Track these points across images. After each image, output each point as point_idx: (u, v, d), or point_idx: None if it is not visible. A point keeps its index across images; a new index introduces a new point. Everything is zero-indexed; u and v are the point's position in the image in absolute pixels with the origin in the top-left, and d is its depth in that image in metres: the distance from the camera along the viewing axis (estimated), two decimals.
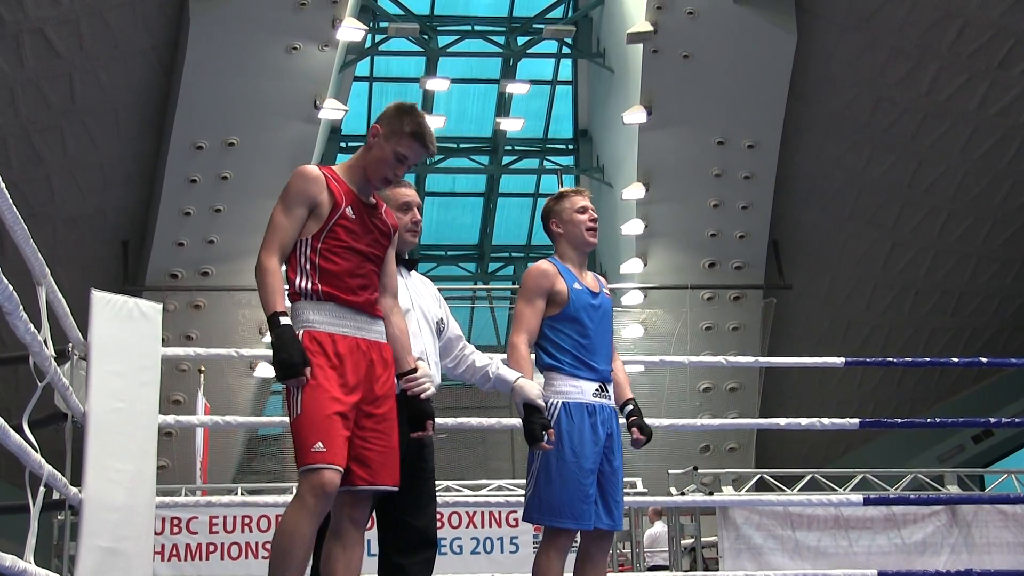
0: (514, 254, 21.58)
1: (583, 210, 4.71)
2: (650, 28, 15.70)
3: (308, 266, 3.68)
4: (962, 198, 17.16)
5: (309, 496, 3.50)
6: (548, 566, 4.36)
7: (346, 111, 17.19)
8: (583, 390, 4.48)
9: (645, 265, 18.01)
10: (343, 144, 19.45)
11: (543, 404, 4.28)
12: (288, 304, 3.65)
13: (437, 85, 18.40)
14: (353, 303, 3.70)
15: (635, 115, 16.46)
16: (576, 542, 4.52)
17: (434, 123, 18.82)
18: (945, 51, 15.63)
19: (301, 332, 3.60)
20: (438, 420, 6.30)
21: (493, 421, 6.45)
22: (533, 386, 4.29)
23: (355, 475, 3.60)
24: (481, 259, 21.31)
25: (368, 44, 18.03)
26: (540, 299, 4.53)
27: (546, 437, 4.21)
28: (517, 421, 6.70)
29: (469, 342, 4.62)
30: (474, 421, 6.32)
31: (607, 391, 4.56)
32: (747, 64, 16.06)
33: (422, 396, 3.82)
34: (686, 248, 17.82)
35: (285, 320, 3.55)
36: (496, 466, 17.76)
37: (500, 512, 8.34)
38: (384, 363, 3.73)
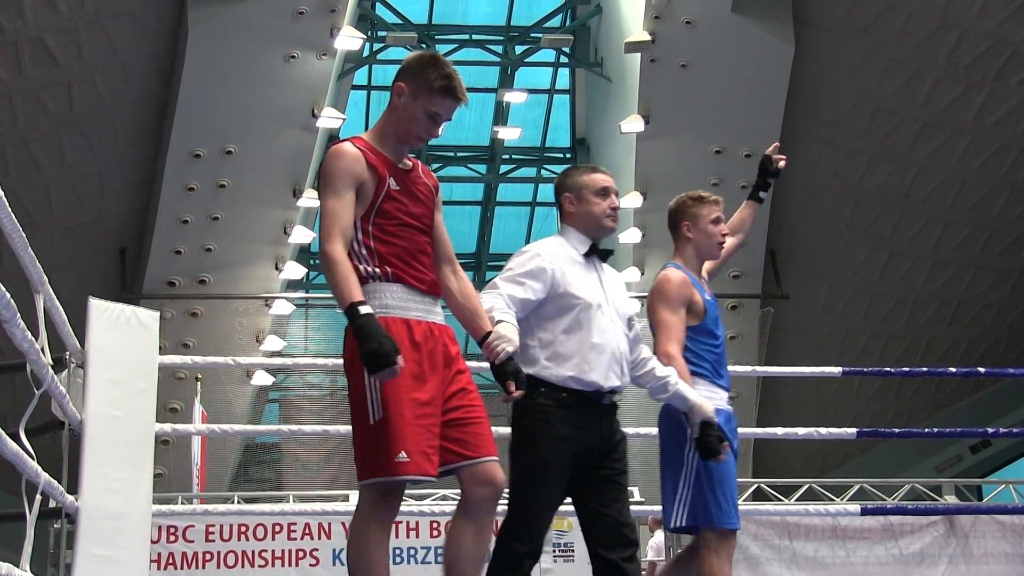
0: None
1: (718, 221, 4.64)
2: (648, 37, 15.72)
3: (364, 251, 3.47)
4: (960, 208, 17.17)
5: (381, 506, 3.37)
6: (722, 569, 4.32)
7: (344, 120, 17.19)
8: (721, 397, 4.48)
9: (642, 274, 18.01)
10: None
11: (716, 420, 4.23)
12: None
13: None
14: (419, 285, 3.50)
15: (632, 124, 16.48)
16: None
17: None
18: (943, 61, 15.65)
19: (377, 319, 3.35)
20: None
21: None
22: (709, 404, 4.23)
23: (462, 454, 3.44)
24: (478, 268, 21.31)
25: (366, 53, 18.05)
26: (683, 307, 4.44)
27: (722, 450, 4.20)
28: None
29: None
30: None
31: (731, 401, 4.59)
32: (745, 74, 16.08)
33: (499, 359, 3.59)
34: None
35: (366, 309, 3.29)
36: None
37: (497, 521, 8.32)
38: (453, 342, 3.55)
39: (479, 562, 3.49)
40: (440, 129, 3.63)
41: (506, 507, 3.88)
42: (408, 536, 8.05)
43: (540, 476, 3.85)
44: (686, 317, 4.46)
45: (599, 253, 4.15)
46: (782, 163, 5.04)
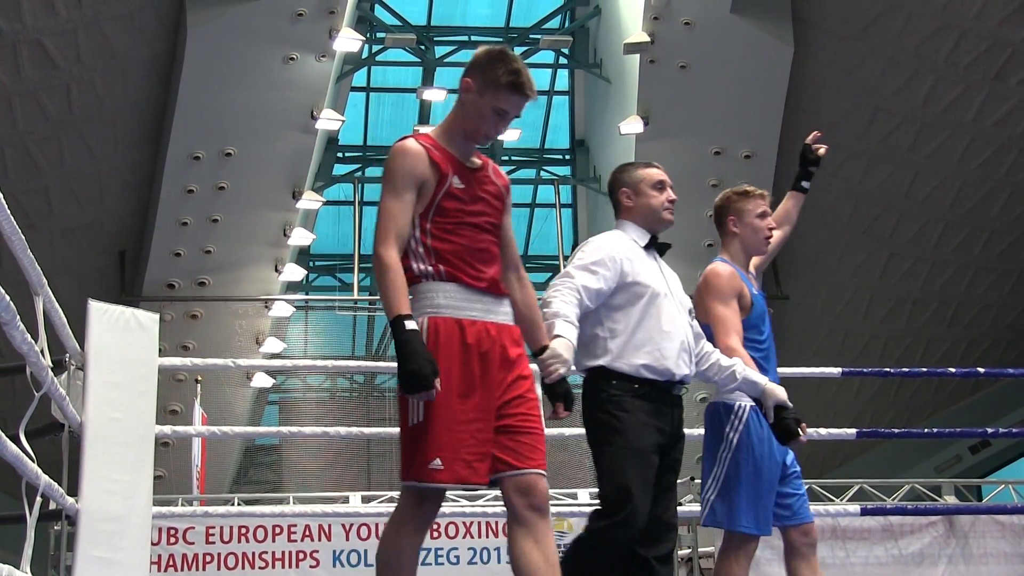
0: None
1: (764, 215, 4.62)
2: (647, 38, 15.72)
3: (420, 249, 3.39)
4: (959, 209, 17.17)
5: (416, 509, 3.31)
6: (736, 573, 4.31)
7: (343, 121, 17.20)
8: None
9: None
10: (340, 154, 19.46)
11: (789, 404, 4.20)
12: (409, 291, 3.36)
13: (434, 95, 18.42)
14: (476, 283, 3.40)
15: (632, 125, 16.48)
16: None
17: None
18: (942, 62, 15.65)
19: (425, 319, 3.32)
20: None
21: None
22: (781, 389, 4.21)
23: (508, 463, 3.33)
24: None
25: (365, 54, 18.05)
26: (735, 300, 4.42)
27: (802, 431, 4.15)
28: None
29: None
30: None
31: None
32: (744, 74, 16.08)
33: (551, 379, 3.54)
34: (683, 258, 17.67)
35: (411, 325, 3.21)
36: None
37: (497, 522, 8.32)
38: (516, 343, 3.45)
39: (554, 570, 3.38)
40: (505, 126, 3.57)
41: (599, 499, 3.87)
42: None
43: (629, 460, 3.82)
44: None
45: (657, 246, 4.16)
46: (822, 150, 5.05)
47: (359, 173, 19.60)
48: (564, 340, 3.64)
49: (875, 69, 16.05)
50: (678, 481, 3.84)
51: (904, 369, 9.44)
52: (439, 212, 3.40)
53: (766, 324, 4.55)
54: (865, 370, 10.02)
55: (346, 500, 10.25)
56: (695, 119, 16.64)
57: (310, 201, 16.95)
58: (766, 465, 4.33)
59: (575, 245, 21.32)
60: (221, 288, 16.85)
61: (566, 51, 18.81)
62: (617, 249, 4.03)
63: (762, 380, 4.17)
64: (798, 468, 4.58)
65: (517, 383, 3.41)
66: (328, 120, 16.25)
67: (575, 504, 8.82)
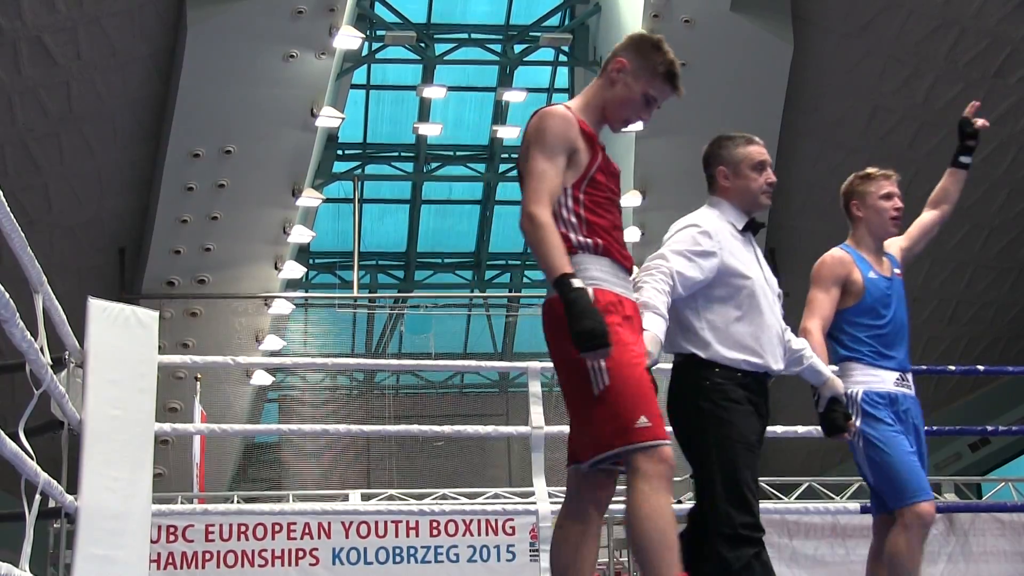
0: (511, 262, 21.58)
1: (889, 196, 4.57)
2: None
3: (574, 219, 3.29)
4: (958, 206, 16.93)
5: (659, 475, 3.13)
6: (909, 549, 4.23)
7: (343, 119, 17.21)
8: (884, 379, 4.39)
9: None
10: (340, 152, 19.46)
11: (844, 399, 4.16)
12: None
13: (434, 93, 18.42)
14: (623, 260, 3.35)
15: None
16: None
17: (431, 131, 18.86)
18: (942, 59, 15.65)
19: (590, 289, 3.16)
20: (435, 427, 6.30)
21: (490, 429, 6.44)
22: (840, 382, 4.17)
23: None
24: (478, 267, 21.30)
25: (365, 52, 18.04)
26: (836, 287, 4.41)
27: (849, 427, 4.12)
28: (514, 429, 6.69)
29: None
30: (470, 429, 6.30)
31: (907, 381, 4.45)
32: (744, 72, 16.08)
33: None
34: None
35: (578, 282, 3.09)
36: (493, 474, 17.75)
37: (497, 520, 8.33)
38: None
39: (592, 568, 3.33)
40: (648, 115, 3.51)
41: (711, 491, 3.68)
42: (408, 535, 8.04)
43: (740, 453, 3.68)
44: (841, 297, 4.41)
45: (753, 227, 4.02)
46: (980, 122, 4.93)
47: (359, 171, 19.60)
48: (652, 335, 3.49)
49: (875, 67, 16.05)
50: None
51: None
52: (592, 184, 3.32)
53: (889, 308, 4.46)
54: None
55: (346, 498, 10.26)
56: (694, 117, 16.60)
57: (310, 199, 16.95)
58: (897, 437, 4.28)
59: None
60: (221, 286, 16.85)
61: (566, 49, 18.80)
62: (718, 236, 3.86)
63: (826, 371, 4.12)
64: (927, 463, 4.46)
65: None
66: (328, 118, 16.25)
67: (494, 502, 8.82)
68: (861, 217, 4.54)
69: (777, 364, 3.88)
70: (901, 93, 16.17)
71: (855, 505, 6.83)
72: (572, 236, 3.27)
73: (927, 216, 4.80)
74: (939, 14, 15.18)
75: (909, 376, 4.45)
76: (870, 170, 4.66)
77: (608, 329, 3.05)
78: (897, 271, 4.60)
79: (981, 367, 7.32)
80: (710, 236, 3.85)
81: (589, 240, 3.28)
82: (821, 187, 17.23)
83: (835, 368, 4.43)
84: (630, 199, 17.17)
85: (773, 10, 15.80)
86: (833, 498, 9.04)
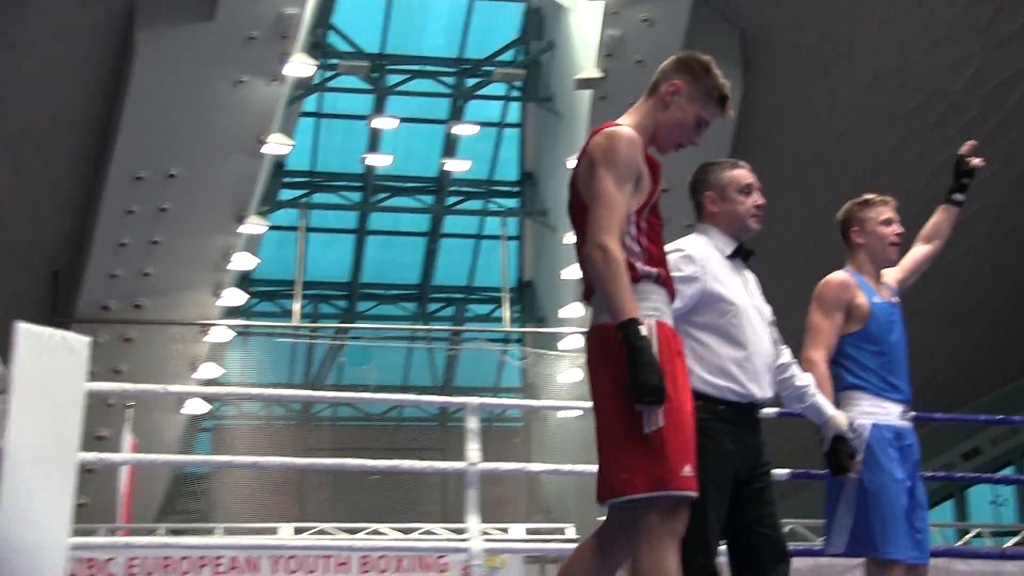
0: (455, 295, 21.49)
1: (888, 222, 4.49)
2: (599, 75, 15.78)
3: (636, 247, 3.21)
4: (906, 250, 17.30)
5: (674, 520, 3.07)
6: None
7: (292, 146, 17.06)
8: (890, 412, 4.27)
9: (586, 310, 17.97)
10: (287, 179, 19.31)
11: (850, 436, 4.06)
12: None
13: (385, 123, 18.35)
14: (672, 292, 3.31)
15: None
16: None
17: (380, 161, 18.78)
18: (887, 108, 15.84)
19: (653, 322, 3.15)
20: (370, 461, 6.17)
21: (426, 464, 6.32)
22: (844, 418, 4.06)
23: None
24: (421, 299, 21.19)
25: (317, 80, 17.95)
26: (839, 312, 4.31)
27: (853, 466, 4.02)
28: (450, 465, 6.58)
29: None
30: (406, 464, 6.18)
31: (909, 413, 4.35)
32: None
33: None
34: None
35: (644, 330, 3.04)
36: (428, 509, 17.56)
37: (430, 557, 8.18)
38: None
39: None
40: (699, 138, 3.43)
41: None
42: (338, 571, 7.89)
43: (711, 494, 3.53)
44: (845, 323, 4.31)
45: (743, 253, 3.98)
46: (975, 161, 4.89)
47: (305, 199, 19.46)
48: None
49: (822, 112, 16.21)
50: None
51: None
52: (652, 211, 3.26)
53: (894, 334, 4.37)
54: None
55: (275, 531, 10.07)
56: None
57: (254, 226, 16.76)
58: (894, 486, 4.16)
59: (520, 278, 21.34)
60: (158, 311, 16.58)
61: (519, 84, 18.84)
62: (702, 261, 3.83)
63: (829, 409, 4.02)
64: (924, 499, 4.35)
65: None
66: (276, 145, 16.09)
67: (508, 540, 8.71)
68: (862, 244, 4.47)
69: (764, 393, 3.79)
70: (848, 138, 16.33)
71: None
72: (637, 264, 3.20)
73: (920, 250, 4.77)
74: (888, 61, 15.37)
75: (910, 409, 4.36)
76: (868, 196, 4.58)
77: (665, 384, 2.99)
78: (895, 299, 4.53)
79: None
80: (692, 261, 3.82)
81: (653, 270, 3.22)
82: (767, 226, 17.33)
83: (838, 395, 4.32)
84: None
85: (723, 55, 15.85)
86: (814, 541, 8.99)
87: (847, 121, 16.16)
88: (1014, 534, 13.36)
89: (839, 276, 4.37)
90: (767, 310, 3.94)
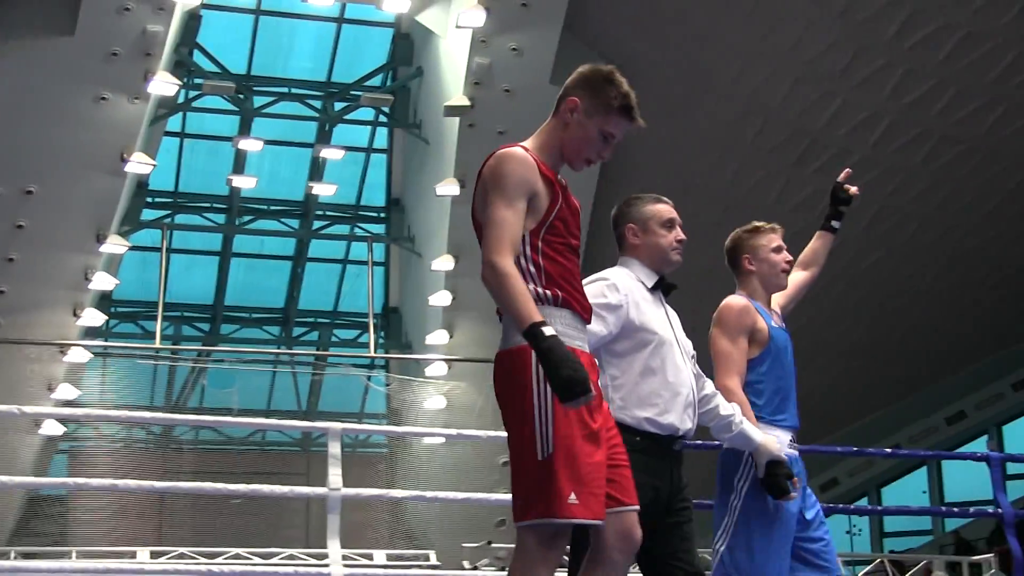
0: (320, 320, 21.34)
1: (779, 249, 4.51)
2: (467, 103, 15.90)
3: (532, 268, 3.17)
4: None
5: (548, 549, 3.02)
6: None
7: (154, 166, 16.78)
8: (781, 439, 4.22)
9: (451, 337, 18.03)
10: (149, 199, 18.99)
11: (785, 458, 4.03)
12: None
13: (250, 145, 18.17)
14: (582, 312, 3.22)
15: (448, 187, 16.57)
16: None
17: (245, 183, 18.59)
18: (748, 145, 16.29)
19: None
20: (230, 485, 6.12)
21: (287, 489, 6.29)
22: (774, 442, 4.04)
23: (613, 496, 3.18)
24: (286, 323, 20.99)
25: (181, 99, 17.71)
26: (743, 337, 4.27)
27: (792, 487, 4.00)
28: (312, 490, 6.55)
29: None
30: (267, 488, 6.15)
31: (795, 441, 4.33)
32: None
33: None
34: (492, 322, 17.64)
35: (550, 330, 2.96)
36: (290, 534, 17.35)
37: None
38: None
39: None
40: (609, 152, 3.39)
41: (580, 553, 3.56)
42: None
43: None
44: (748, 347, 4.28)
45: (664, 287, 3.98)
46: (853, 190, 4.95)
47: (168, 219, 19.15)
48: None
49: (685, 148, 16.58)
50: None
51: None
52: (550, 230, 3.21)
53: (787, 358, 4.39)
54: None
55: (133, 555, 9.87)
56: None
57: (115, 245, 16.43)
58: (779, 515, 4.14)
59: (386, 304, 21.30)
60: (13, 330, 16.13)
61: (386, 110, 18.86)
62: (625, 290, 3.84)
63: (757, 436, 4.03)
64: (822, 517, 4.38)
65: (610, 418, 3.30)
66: (138, 164, 15.80)
67: (370, 565, 8.70)
68: (754, 271, 4.48)
69: (684, 425, 3.80)
70: (710, 174, 16.73)
71: None
72: (532, 287, 3.15)
73: (798, 276, 4.83)
74: (746, 101, 15.82)
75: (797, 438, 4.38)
76: (757, 224, 4.61)
77: (588, 375, 2.94)
78: (784, 325, 4.57)
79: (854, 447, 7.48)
80: (617, 289, 3.83)
81: (548, 292, 3.17)
82: None
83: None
84: (442, 263, 17.23)
85: None
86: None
87: (712, 156, 16.57)
88: (868, 563, 13.76)
89: (739, 301, 4.39)
90: (688, 344, 3.97)
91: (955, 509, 16.44)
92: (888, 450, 12.95)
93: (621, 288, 3.85)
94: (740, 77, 15.99)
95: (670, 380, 3.79)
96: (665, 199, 4.11)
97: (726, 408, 4.01)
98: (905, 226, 17.94)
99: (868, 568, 13.28)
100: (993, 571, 12.33)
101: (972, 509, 17.25)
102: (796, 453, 4.34)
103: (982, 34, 15.53)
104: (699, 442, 5.58)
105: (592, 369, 3.23)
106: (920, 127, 16.59)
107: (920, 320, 19.66)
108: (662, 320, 3.89)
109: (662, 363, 3.79)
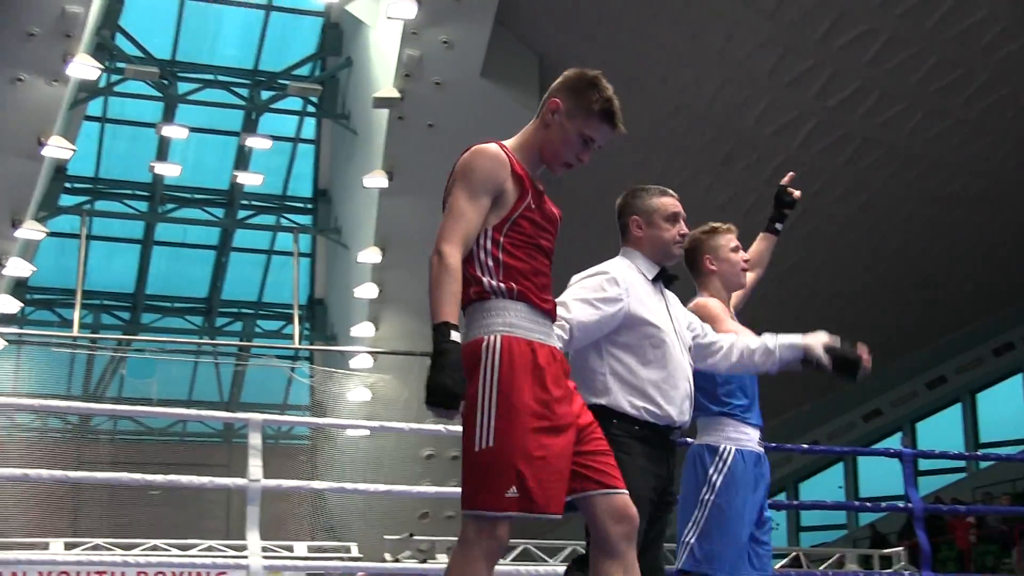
0: (243, 310, 21.13)
1: (737, 249, 4.52)
2: (397, 95, 15.81)
3: (490, 262, 3.18)
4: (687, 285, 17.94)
5: (486, 539, 3.04)
6: None
7: (74, 151, 16.47)
8: (752, 437, 4.30)
9: (377, 329, 17.94)
10: (69, 185, 18.65)
11: (835, 343, 3.95)
12: (471, 306, 3.16)
13: (174, 132, 17.92)
14: (542, 305, 3.21)
15: (376, 179, 16.47)
16: None
17: (168, 171, 18.33)
18: (677, 142, 16.39)
19: (498, 336, 3.10)
20: (148, 476, 6.00)
21: (206, 480, 6.19)
22: (817, 333, 3.97)
23: (596, 480, 3.19)
24: (209, 313, 20.75)
25: (103, 84, 17.41)
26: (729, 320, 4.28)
27: (863, 360, 3.91)
28: (232, 481, 6.45)
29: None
30: (185, 479, 6.05)
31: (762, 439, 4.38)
32: (491, 137, 16.34)
33: None
34: (418, 315, 17.87)
35: (456, 336, 2.99)
36: (210, 525, 17.15)
37: (208, 573, 8.02)
38: (568, 372, 3.28)
39: None
40: (588, 156, 3.38)
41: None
42: None
43: (637, 507, 3.44)
44: None
45: (666, 279, 4.01)
46: (797, 193, 5.02)
47: (88, 206, 18.83)
48: None
49: (614, 144, 16.62)
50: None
51: None
52: (514, 228, 3.22)
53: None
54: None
55: (46, 547, 9.68)
56: (439, 178, 16.36)
57: (31, 231, 16.10)
58: (748, 509, 4.23)
59: (311, 295, 21.14)
60: None
61: (314, 100, 18.72)
62: (626, 284, 3.86)
63: (797, 338, 3.99)
64: (771, 518, 4.47)
65: (585, 411, 3.27)
66: (57, 148, 15.47)
67: (291, 557, 8.61)
68: (715, 271, 4.51)
69: (682, 418, 3.85)
70: (637, 171, 16.77)
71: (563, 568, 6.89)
72: (486, 280, 3.18)
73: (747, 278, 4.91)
74: (675, 100, 15.90)
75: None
76: (714, 224, 4.64)
77: (461, 394, 2.94)
78: None
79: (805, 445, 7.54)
80: (617, 283, 3.85)
81: (503, 285, 3.17)
82: (563, 258, 17.67)
83: (704, 420, 4.37)
84: (369, 255, 17.13)
85: (521, 81, 16.19)
86: (547, 561, 9.15)
87: (638, 154, 16.63)
88: (784, 556, 13.93)
89: (709, 301, 4.41)
90: (688, 336, 4.00)
91: (868, 504, 16.67)
92: (805, 446, 13.13)
93: (621, 282, 3.88)
94: (668, 76, 16.08)
95: (670, 373, 3.83)
96: (671, 192, 4.15)
97: (754, 341, 4.04)
98: (827, 227, 18.17)
99: (784, 561, 13.44)
100: (902, 563, 12.57)
101: (884, 504, 17.50)
102: (762, 451, 4.42)
103: (905, 39, 15.75)
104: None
105: (559, 363, 3.23)
106: (844, 128, 16.79)
107: (839, 320, 19.91)
108: (663, 312, 3.93)
109: (662, 355, 3.83)
